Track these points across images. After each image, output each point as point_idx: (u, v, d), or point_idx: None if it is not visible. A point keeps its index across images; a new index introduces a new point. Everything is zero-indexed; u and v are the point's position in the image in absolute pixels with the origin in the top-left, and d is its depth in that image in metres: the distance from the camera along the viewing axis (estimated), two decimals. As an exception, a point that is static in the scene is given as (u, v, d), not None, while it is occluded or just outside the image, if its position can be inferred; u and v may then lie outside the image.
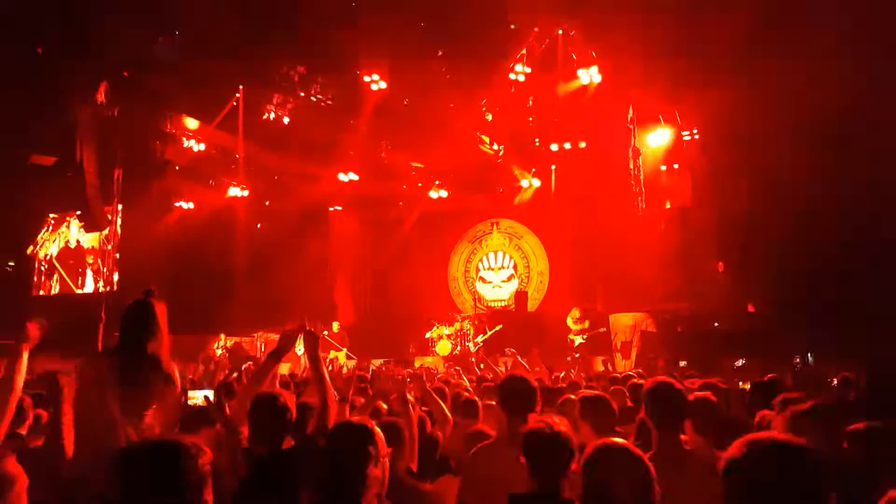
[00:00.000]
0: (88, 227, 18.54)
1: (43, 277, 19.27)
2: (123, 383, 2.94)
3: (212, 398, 3.47)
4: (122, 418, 2.78)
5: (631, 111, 14.22)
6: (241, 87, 16.44)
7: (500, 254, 16.96)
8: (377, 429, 2.37)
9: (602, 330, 12.71)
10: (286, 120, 16.89)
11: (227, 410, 3.26)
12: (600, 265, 14.45)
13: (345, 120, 16.29)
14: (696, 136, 14.03)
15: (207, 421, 3.47)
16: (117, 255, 17.94)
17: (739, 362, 10.32)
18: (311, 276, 16.16)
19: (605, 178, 14.55)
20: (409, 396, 3.79)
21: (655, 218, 13.74)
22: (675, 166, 14.76)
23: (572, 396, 4.12)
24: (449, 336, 14.25)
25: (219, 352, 14.09)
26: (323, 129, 16.44)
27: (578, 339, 13.03)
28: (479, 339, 14.03)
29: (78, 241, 19.32)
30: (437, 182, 16.45)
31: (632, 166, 14.45)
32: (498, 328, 13.94)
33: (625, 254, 13.34)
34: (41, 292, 19.35)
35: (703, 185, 13.18)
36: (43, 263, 19.36)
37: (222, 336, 14.04)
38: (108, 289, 17.29)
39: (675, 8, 11.09)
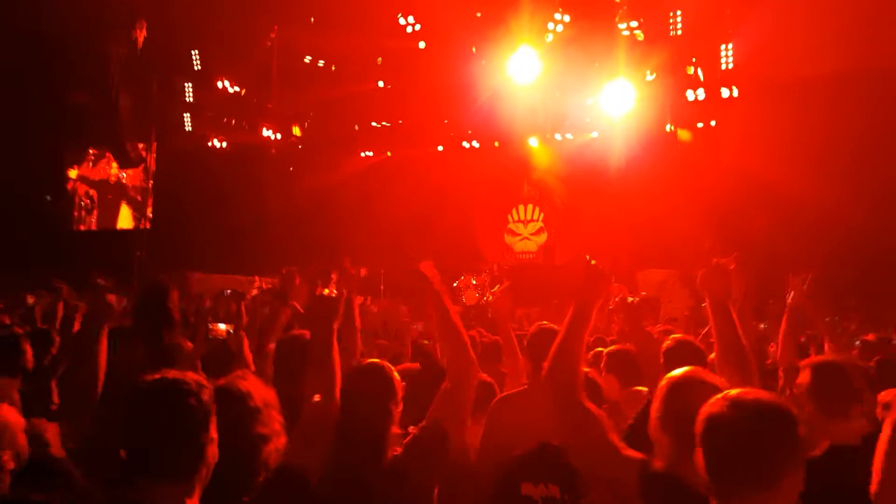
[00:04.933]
0: (123, 163, 18.81)
1: (83, 213, 19.69)
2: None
3: (231, 331, 3.51)
4: None
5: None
6: (276, 26, 16.36)
7: (529, 206, 16.97)
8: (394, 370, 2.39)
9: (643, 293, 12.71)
10: (321, 63, 16.83)
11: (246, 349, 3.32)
12: (631, 220, 14.41)
13: (378, 67, 16.27)
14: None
15: (230, 355, 3.46)
16: (151, 193, 18.29)
17: None
18: (342, 220, 16.34)
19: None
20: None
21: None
22: (713, 123, 14.57)
23: (601, 349, 4.16)
24: (476, 286, 14.48)
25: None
26: (357, 74, 16.40)
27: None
28: (495, 289, 14.14)
29: (117, 177, 19.64)
30: (469, 131, 16.39)
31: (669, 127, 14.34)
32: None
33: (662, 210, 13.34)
34: (81, 227, 19.81)
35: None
36: (82, 198, 19.74)
37: (257, 278, 14.34)
38: (144, 225, 17.68)
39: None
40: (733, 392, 1.68)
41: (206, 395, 1.69)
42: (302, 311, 3.46)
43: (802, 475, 1.60)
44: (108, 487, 1.84)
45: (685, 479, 1.90)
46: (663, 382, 2.10)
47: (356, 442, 2.24)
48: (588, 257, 2.26)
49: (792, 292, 3.69)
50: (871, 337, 4.75)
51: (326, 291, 2.25)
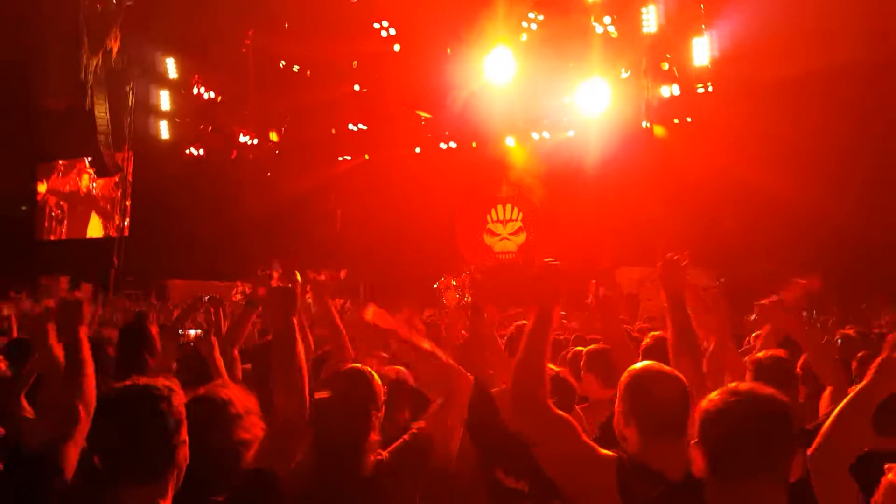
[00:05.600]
0: (100, 172, 18.64)
1: (53, 223, 19.48)
2: None
3: (201, 336, 3.51)
4: None
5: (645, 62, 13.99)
6: (250, 31, 16.31)
7: (508, 206, 16.95)
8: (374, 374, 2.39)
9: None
10: (296, 68, 16.78)
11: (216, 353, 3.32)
12: (609, 218, 14.41)
13: (353, 71, 16.21)
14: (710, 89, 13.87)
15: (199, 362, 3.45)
16: (128, 202, 18.10)
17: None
18: (321, 224, 16.25)
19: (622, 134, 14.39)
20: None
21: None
22: (689, 120, 14.61)
23: (581, 348, 4.11)
24: (456, 287, 14.41)
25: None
26: (333, 78, 16.35)
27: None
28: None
29: (88, 188, 19.45)
30: (446, 132, 16.37)
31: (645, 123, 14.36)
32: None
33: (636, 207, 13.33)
34: (51, 237, 19.58)
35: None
36: (52, 209, 19.55)
37: (239, 283, 14.23)
38: (121, 234, 17.49)
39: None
40: (732, 385, 1.78)
41: (177, 400, 1.74)
42: None
43: (799, 460, 1.71)
44: (83, 490, 1.90)
45: (653, 467, 1.96)
46: (624, 377, 2.13)
47: (335, 446, 2.23)
48: (547, 259, 2.26)
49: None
50: (850, 331, 4.69)
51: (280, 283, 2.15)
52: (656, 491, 1.93)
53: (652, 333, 3.37)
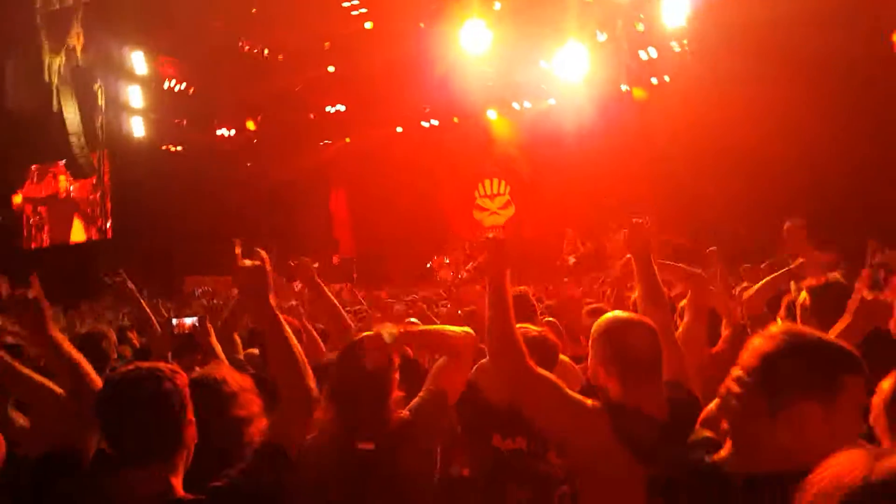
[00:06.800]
0: (76, 174, 18.26)
1: (33, 230, 19.09)
2: None
3: (197, 325, 3.55)
4: None
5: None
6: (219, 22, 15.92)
7: (495, 180, 16.92)
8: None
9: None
10: (267, 53, 16.45)
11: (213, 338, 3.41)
12: (595, 185, 14.44)
13: (326, 52, 15.93)
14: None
15: (194, 347, 3.58)
16: (108, 204, 17.79)
17: None
18: (308, 211, 16.12)
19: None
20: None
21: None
22: (666, 79, 14.59)
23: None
24: (449, 265, 14.40)
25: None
26: (306, 61, 16.09)
27: (571, 260, 13.07)
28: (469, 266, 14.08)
29: (67, 190, 19.06)
30: (427, 109, 16.23)
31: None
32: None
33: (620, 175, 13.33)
34: (32, 245, 19.19)
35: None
36: (30, 216, 19.15)
37: (231, 279, 14.08)
38: (103, 237, 17.23)
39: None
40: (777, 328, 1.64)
41: (181, 381, 1.79)
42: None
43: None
44: (96, 476, 1.92)
45: (644, 411, 2.05)
46: (595, 329, 2.21)
47: (359, 407, 2.30)
48: (489, 234, 2.41)
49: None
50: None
51: (248, 262, 2.00)
52: (655, 433, 2.00)
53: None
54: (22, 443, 2.39)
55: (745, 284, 4.83)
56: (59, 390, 2.12)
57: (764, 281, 4.08)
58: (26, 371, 2.21)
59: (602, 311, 4.32)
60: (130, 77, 17.44)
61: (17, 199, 19.15)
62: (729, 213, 11.90)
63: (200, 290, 14.43)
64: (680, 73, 14.37)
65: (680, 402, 2.17)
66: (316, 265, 3.68)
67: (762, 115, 11.50)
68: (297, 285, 6.04)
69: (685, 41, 14.04)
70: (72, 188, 18.74)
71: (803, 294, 3.15)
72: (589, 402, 2.10)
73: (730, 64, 12.30)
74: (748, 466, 1.53)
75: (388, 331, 2.45)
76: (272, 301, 2.00)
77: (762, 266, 5.01)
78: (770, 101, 11.54)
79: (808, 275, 3.44)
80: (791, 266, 4.17)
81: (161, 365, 1.82)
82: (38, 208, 19.08)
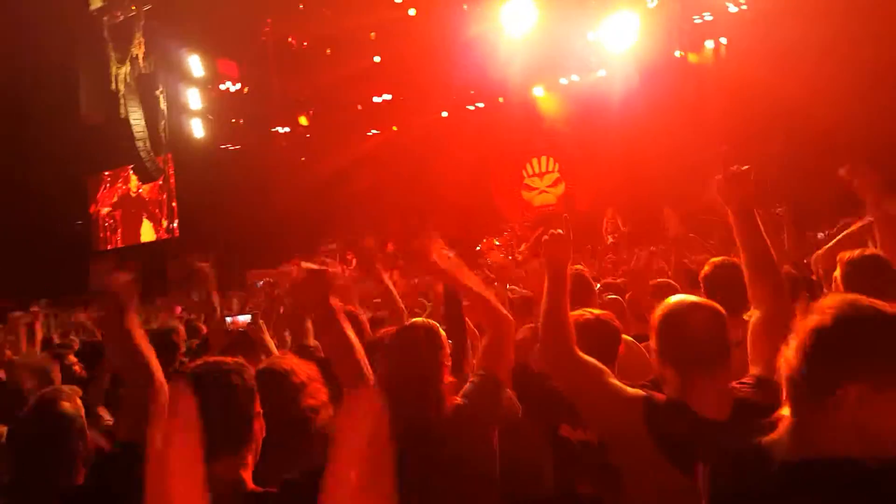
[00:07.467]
0: (144, 178, 19.15)
1: (108, 233, 20.17)
2: None
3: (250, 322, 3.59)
4: None
5: None
6: (269, 19, 16.25)
7: (543, 158, 16.56)
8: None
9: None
10: (312, 46, 16.64)
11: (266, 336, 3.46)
12: (650, 157, 13.86)
13: (372, 42, 15.97)
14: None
15: (248, 344, 3.56)
16: (174, 204, 18.58)
17: None
18: (359, 202, 16.28)
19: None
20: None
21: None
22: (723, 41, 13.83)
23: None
24: (499, 247, 14.22)
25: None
26: (353, 53, 16.18)
27: (609, 239, 12.70)
28: (521, 247, 13.87)
29: (138, 193, 20.02)
30: (472, 91, 16.03)
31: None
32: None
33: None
34: (108, 247, 20.31)
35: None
36: (105, 219, 20.22)
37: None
38: (171, 235, 18.01)
39: None
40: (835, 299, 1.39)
41: (247, 374, 1.81)
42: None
43: None
44: None
45: (692, 406, 1.88)
46: (656, 314, 2.03)
47: (413, 394, 2.26)
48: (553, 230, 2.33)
49: None
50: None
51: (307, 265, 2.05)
52: (684, 426, 1.85)
53: (712, 260, 3.15)
54: (108, 438, 2.52)
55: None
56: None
57: (841, 236, 3.78)
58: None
59: (667, 288, 4.02)
60: (189, 80, 18.07)
61: (94, 200, 20.30)
62: (791, 181, 11.22)
63: (262, 282, 14.82)
64: (737, 35, 13.60)
65: (754, 404, 1.85)
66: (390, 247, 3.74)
67: (825, 79, 10.76)
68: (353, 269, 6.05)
69: (742, 1, 13.27)
70: (141, 191, 19.68)
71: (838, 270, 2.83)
72: (630, 391, 1.99)
73: (791, 25, 11.56)
74: (801, 451, 1.33)
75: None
76: (333, 303, 2.02)
77: (839, 225, 4.69)
78: (833, 62, 10.80)
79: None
80: (863, 222, 3.79)
81: (227, 359, 1.83)
82: (112, 211, 20.16)
